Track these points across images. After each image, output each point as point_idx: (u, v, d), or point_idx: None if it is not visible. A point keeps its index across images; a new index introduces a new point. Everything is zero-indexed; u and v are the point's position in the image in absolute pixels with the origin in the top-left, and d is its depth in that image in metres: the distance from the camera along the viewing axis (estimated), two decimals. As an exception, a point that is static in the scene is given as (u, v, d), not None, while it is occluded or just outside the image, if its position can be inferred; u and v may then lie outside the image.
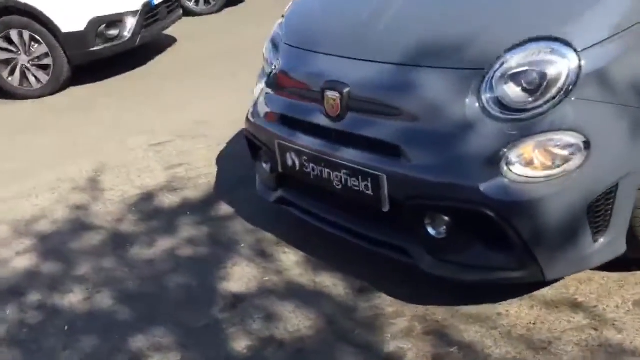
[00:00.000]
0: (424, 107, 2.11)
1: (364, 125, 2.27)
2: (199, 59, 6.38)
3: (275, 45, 2.88)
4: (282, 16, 2.97)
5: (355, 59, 2.35)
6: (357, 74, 2.31)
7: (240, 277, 2.73)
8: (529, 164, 1.96)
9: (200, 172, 3.78)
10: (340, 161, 2.32)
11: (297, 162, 2.52)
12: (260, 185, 2.98)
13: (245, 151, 3.88)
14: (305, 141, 2.47)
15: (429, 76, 2.13)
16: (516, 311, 2.29)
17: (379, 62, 2.26)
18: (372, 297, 2.47)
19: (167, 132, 4.49)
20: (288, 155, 2.55)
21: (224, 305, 2.56)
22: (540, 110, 1.96)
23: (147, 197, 3.58)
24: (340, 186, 2.36)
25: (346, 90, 2.29)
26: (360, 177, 2.25)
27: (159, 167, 3.95)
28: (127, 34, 5.81)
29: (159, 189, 3.64)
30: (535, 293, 2.34)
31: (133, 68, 6.39)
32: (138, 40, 5.94)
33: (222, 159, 3.90)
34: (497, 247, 2.06)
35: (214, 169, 3.78)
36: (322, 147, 2.40)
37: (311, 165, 2.46)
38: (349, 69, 2.34)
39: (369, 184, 2.23)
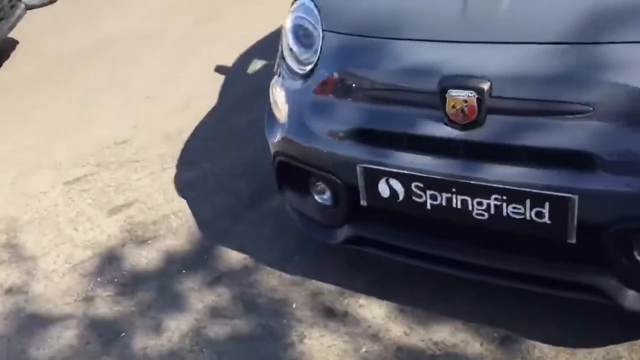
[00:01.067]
0: (628, 98, 1.56)
1: (522, 132, 1.66)
2: (60, 62, 5.18)
3: (302, 36, 2.14)
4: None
5: (488, 42, 1.72)
6: (499, 63, 1.68)
7: (324, 354, 2.00)
8: None
9: (164, 209, 2.89)
10: (488, 184, 1.70)
11: (399, 191, 1.85)
12: (308, 223, 2.24)
13: (215, 174, 3.10)
14: (417, 162, 1.80)
15: (623, 54, 1.57)
16: None
17: (537, 44, 1.65)
18: (525, 349, 1.89)
19: (80, 162, 3.46)
20: (382, 183, 1.86)
21: (330, 403, 1.85)
22: None
23: (107, 257, 2.64)
24: (485, 216, 1.74)
25: (486, 86, 1.67)
26: (529, 202, 1.65)
27: (99, 211, 2.98)
28: (-31, 40, 4.50)
29: (118, 243, 2.71)
30: None
31: (-27, 83, 5.05)
32: (-15, 46, 4.65)
33: (184, 188, 3.04)
34: None
35: (181, 203, 2.92)
36: (450, 168, 1.75)
37: (429, 193, 1.80)
38: (482, 58, 1.70)
39: (546, 210, 1.64)
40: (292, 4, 2.23)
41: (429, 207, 1.83)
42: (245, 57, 4.42)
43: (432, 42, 1.81)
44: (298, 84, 2.10)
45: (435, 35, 1.81)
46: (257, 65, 4.25)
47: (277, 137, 2.15)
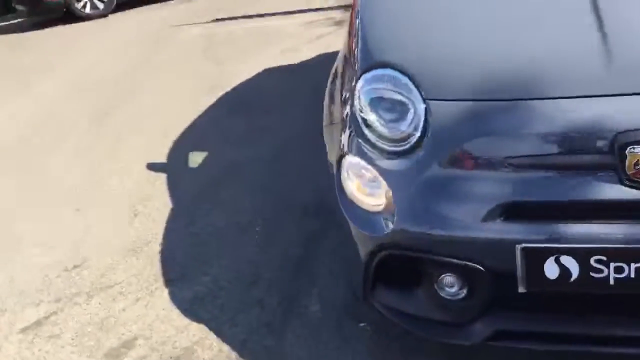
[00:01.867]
0: None
1: None
2: None
3: (387, 110, 1.84)
4: (372, 68, 1.89)
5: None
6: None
7: None
8: None
9: (182, 341, 2.33)
10: (692, 246, 1.52)
11: (573, 270, 1.59)
12: (423, 324, 1.88)
13: (222, 287, 2.61)
14: (594, 232, 1.57)
15: None
16: None
17: None
18: None
19: (28, 300, 2.74)
20: (550, 263, 1.60)
21: None
22: None
23: (139, 418, 2.05)
24: (688, 283, 1.55)
25: (675, 137, 1.51)
26: None
27: (89, 358, 2.34)
28: None
29: (145, 396, 2.12)
30: None
31: None
32: None
33: (193, 310, 2.49)
34: None
35: (199, 329, 2.37)
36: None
37: (613, 265, 1.57)
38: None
39: None
40: (360, 75, 1.94)
41: (612, 282, 1.59)
42: (177, 149, 3.97)
43: (583, 98, 1.61)
44: (400, 163, 1.79)
45: (585, 90, 1.62)
46: (197, 157, 3.82)
47: (381, 229, 1.80)
